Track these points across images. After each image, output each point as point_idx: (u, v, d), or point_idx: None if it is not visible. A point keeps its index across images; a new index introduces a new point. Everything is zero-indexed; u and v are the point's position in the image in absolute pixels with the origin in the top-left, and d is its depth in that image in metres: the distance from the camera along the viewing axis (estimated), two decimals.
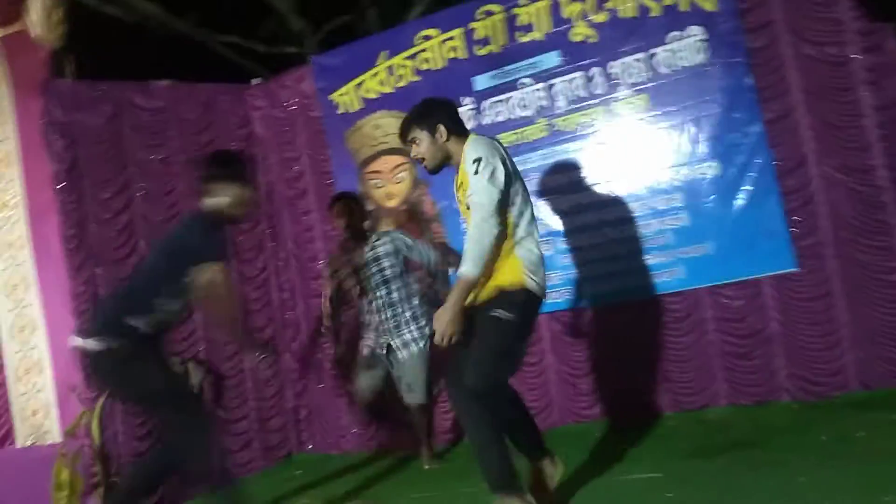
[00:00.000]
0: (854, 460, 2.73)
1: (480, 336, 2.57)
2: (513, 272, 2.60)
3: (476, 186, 2.55)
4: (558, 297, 4.13)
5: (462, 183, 2.70)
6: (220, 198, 2.94)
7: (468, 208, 2.61)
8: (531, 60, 4.18)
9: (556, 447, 3.81)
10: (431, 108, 2.79)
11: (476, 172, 2.56)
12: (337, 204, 4.10)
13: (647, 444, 3.51)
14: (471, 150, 2.64)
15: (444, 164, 2.79)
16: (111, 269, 4.35)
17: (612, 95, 4.02)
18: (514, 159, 4.12)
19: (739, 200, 3.79)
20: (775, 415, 3.62)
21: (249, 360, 3.49)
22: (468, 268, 2.49)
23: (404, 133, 2.81)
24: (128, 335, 2.84)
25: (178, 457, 2.93)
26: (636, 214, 3.97)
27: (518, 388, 4.26)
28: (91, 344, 2.88)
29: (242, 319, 3.00)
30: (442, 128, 2.73)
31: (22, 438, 4.56)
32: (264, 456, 4.70)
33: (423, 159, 2.77)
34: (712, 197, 3.84)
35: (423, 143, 2.75)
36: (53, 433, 4.40)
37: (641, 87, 3.95)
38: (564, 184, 4.13)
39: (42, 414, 4.49)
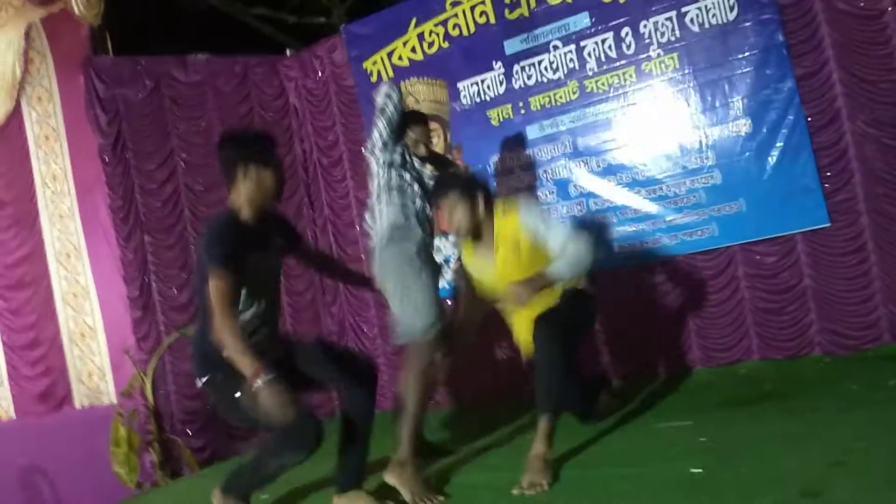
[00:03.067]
0: (885, 405, 2.80)
1: None
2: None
3: (560, 231, 2.88)
4: None
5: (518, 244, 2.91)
6: (241, 188, 2.61)
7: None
8: (561, 22, 4.20)
9: None
10: (474, 183, 3.03)
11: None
12: None
13: (680, 397, 3.61)
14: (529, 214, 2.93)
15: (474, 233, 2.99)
16: (159, 238, 4.54)
17: (643, 55, 4.04)
18: (545, 122, 4.31)
19: (772, 157, 3.80)
20: (807, 367, 3.68)
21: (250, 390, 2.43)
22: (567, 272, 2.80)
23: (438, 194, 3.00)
24: (218, 364, 2.53)
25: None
26: (668, 174, 4.02)
27: None
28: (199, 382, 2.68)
29: (237, 341, 2.43)
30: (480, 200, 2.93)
31: (79, 400, 4.82)
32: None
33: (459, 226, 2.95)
34: (745, 154, 3.86)
35: (458, 210, 2.93)
36: (109, 394, 4.65)
37: (672, 45, 3.97)
38: (596, 145, 4.18)
39: (97, 376, 4.73)
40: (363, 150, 3.08)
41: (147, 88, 4.71)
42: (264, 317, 2.67)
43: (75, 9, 4.61)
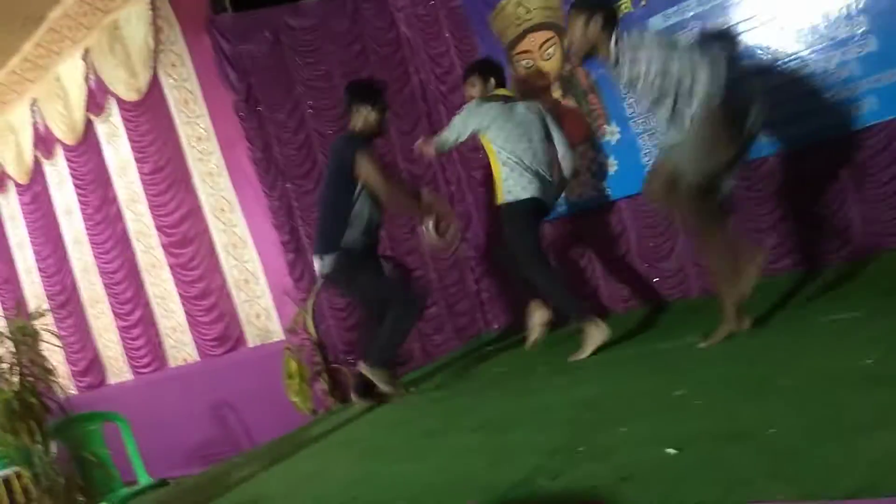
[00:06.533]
0: None
1: None
2: None
3: None
4: None
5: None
6: (354, 121, 3.77)
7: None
8: None
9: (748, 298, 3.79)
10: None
11: None
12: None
13: (846, 287, 3.38)
14: None
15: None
16: (299, 184, 4.76)
17: None
18: (669, 11, 4.06)
19: None
20: None
21: (426, 231, 3.75)
22: None
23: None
24: (347, 251, 3.66)
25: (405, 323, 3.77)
26: (815, 48, 3.66)
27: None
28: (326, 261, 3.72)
29: (402, 192, 3.49)
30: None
31: (252, 339, 5.26)
32: (457, 336, 5.08)
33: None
34: None
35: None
36: (276, 332, 5.03)
37: None
38: (730, 25, 3.87)
39: (264, 317, 5.13)
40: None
41: (268, 41, 4.84)
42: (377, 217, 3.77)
43: None
